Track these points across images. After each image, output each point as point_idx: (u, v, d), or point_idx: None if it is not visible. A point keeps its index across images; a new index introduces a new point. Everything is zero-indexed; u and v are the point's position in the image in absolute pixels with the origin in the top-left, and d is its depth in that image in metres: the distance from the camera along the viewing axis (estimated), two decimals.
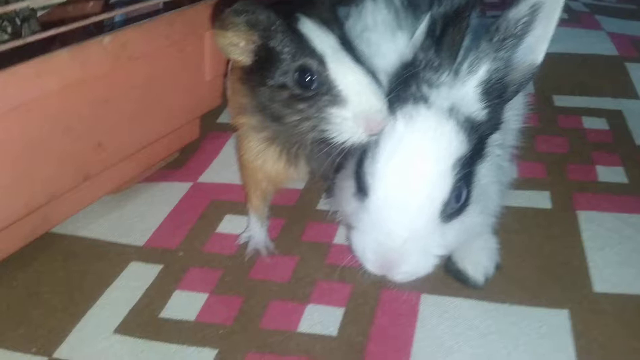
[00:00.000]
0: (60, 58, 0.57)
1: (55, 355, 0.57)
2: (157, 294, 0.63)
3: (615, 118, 0.93)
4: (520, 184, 0.77)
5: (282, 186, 0.70)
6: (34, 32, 0.75)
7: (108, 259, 0.68)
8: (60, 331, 0.59)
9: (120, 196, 0.79)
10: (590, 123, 0.92)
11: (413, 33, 0.59)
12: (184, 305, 0.62)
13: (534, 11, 0.53)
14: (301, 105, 0.55)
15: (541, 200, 0.75)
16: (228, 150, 0.89)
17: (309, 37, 0.55)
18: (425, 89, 0.54)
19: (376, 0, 0.69)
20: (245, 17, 0.55)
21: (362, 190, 0.54)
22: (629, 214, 0.72)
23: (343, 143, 0.54)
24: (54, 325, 0.60)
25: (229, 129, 0.93)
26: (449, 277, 0.63)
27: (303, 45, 0.54)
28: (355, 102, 0.53)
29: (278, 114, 0.57)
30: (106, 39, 0.60)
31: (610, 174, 0.80)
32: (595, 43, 1.19)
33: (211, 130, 0.93)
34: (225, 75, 0.86)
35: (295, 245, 0.70)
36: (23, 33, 0.83)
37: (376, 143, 0.53)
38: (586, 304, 0.60)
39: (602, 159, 0.83)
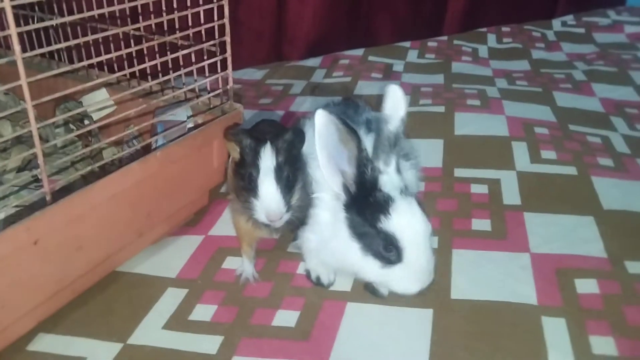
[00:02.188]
0: (134, 167, 0.98)
1: (128, 342, 0.95)
2: (186, 306, 1.02)
3: (494, 185, 1.33)
4: None
5: (259, 239, 1.09)
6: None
7: (154, 286, 1.07)
8: (129, 328, 0.96)
9: (156, 246, 1.18)
10: (476, 189, 1.32)
11: None
12: (203, 312, 1.00)
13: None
14: (246, 194, 0.95)
15: (432, 243, 1.16)
16: (228, 213, 1.29)
17: (261, 156, 0.93)
18: None
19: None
20: (235, 137, 0.97)
21: None
22: (486, 251, 1.13)
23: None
24: (125, 325, 0.97)
25: (228, 198, 1.34)
26: (365, 291, 1.03)
27: (255, 161, 0.94)
28: (264, 200, 0.92)
29: (240, 195, 0.97)
30: (159, 153, 1.02)
31: (481, 224, 1.20)
32: (495, 126, 1.59)
33: (216, 198, 1.33)
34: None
35: (272, 275, 1.09)
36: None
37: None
38: (444, 305, 1.00)
39: (477, 214, 1.23)
